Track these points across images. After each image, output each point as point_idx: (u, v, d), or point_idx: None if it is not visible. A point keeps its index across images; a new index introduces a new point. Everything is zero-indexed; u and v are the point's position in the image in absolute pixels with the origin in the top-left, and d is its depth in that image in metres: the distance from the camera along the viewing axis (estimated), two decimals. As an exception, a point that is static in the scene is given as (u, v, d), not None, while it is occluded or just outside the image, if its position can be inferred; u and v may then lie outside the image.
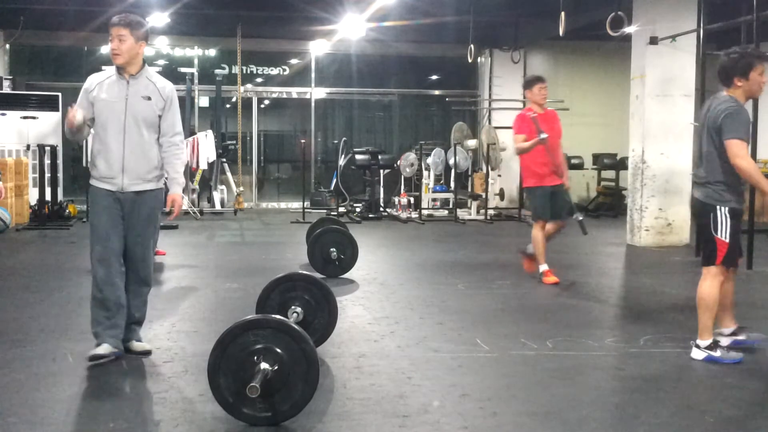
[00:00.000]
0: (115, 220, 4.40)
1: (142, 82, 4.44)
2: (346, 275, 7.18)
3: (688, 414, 3.67)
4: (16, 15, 12.08)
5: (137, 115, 4.38)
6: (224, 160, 13.27)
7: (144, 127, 4.41)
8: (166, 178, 4.59)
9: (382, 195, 13.56)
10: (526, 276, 7.39)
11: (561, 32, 9.57)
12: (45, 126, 12.24)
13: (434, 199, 13.67)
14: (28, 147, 12.01)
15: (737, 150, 4.34)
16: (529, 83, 7.16)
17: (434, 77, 15.98)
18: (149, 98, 4.41)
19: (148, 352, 4.52)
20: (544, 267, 7.05)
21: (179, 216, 12.09)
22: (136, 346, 4.54)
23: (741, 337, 4.74)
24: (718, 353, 4.47)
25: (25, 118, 12.07)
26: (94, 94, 4.40)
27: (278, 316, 3.69)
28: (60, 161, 12.04)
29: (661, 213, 9.66)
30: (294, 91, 15.17)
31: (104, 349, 4.30)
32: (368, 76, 15.07)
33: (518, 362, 4.51)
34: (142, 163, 4.41)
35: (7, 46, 13.59)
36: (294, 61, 15.12)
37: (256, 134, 15.23)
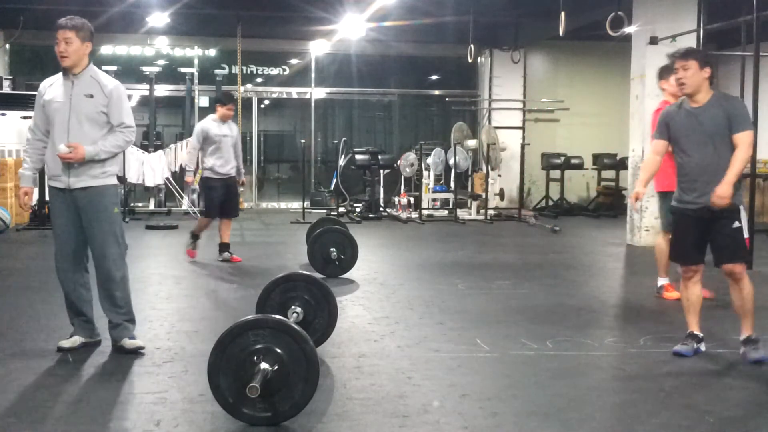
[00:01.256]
0: (69, 220, 4.55)
1: (86, 80, 4.53)
2: (346, 275, 7.18)
3: (688, 414, 3.67)
4: (16, 15, 12.08)
5: (80, 113, 4.48)
6: (224, 160, 13.24)
7: (87, 125, 4.48)
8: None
9: (382, 195, 13.56)
10: (526, 276, 7.40)
11: (561, 32, 9.57)
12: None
13: (434, 199, 13.67)
14: (28, 147, 12.00)
15: None
16: (665, 72, 6.31)
17: (434, 77, 15.97)
18: (92, 96, 4.49)
19: (140, 348, 4.55)
20: (664, 281, 6.39)
21: (179, 216, 11.92)
22: (127, 344, 4.57)
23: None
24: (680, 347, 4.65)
25: (25, 118, 12.04)
26: (44, 97, 4.54)
27: (278, 316, 3.69)
28: (60, 161, 12.03)
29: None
30: (294, 91, 15.16)
31: (71, 342, 4.58)
32: (368, 76, 15.06)
33: (518, 362, 4.51)
34: (90, 162, 4.47)
35: (7, 46, 13.59)
36: (294, 61, 15.11)
37: (256, 134, 15.22)
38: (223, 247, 8.14)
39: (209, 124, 7.95)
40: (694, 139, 4.55)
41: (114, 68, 12.07)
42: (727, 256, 4.51)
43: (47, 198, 4.69)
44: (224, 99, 8.11)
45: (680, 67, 4.53)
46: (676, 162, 4.70)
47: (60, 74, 4.59)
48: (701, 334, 4.69)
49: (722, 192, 4.37)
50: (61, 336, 4.69)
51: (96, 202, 4.52)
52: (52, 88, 4.56)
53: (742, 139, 4.45)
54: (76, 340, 4.60)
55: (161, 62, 14.26)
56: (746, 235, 4.63)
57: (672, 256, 4.80)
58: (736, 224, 4.50)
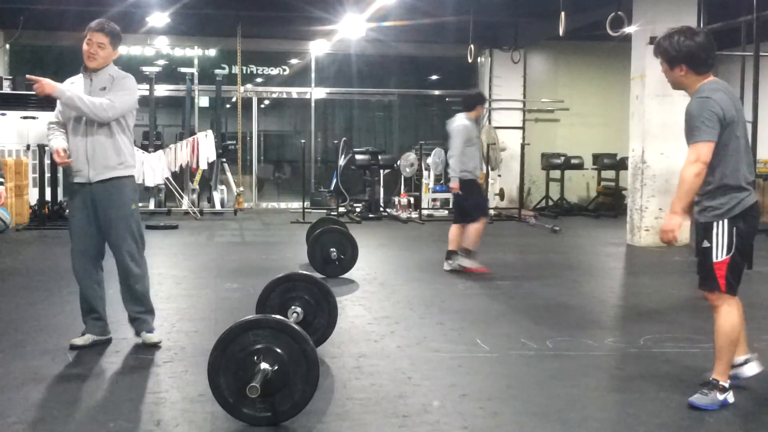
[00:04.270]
0: (87, 217, 4.61)
1: (103, 77, 4.63)
2: (346, 275, 7.18)
3: (688, 414, 3.67)
4: (16, 15, 12.08)
5: None
6: (224, 160, 13.27)
7: None
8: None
9: (382, 195, 13.55)
10: (526, 276, 7.39)
11: (561, 32, 9.57)
12: (45, 126, 12.21)
13: (434, 199, 13.67)
14: (28, 147, 12.00)
15: None
16: None
17: (434, 77, 15.98)
18: (104, 89, 4.59)
19: (156, 344, 4.63)
20: None
21: (179, 216, 11.94)
22: (146, 337, 4.67)
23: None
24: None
25: (25, 118, 12.06)
26: None
27: (278, 316, 3.69)
28: (60, 161, 12.04)
29: (661, 213, 9.65)
30: (294, 91, 15.16)
31: (83, 339, 4.62)
32: (368, 76, 15.06)
33: (518, 362, 4.51)
34: (107, 154, 4.57)
35: (7, 46, 13.59)
36: (294, 61, 15.12)
37: (256, 134, 15.22)
38: (452, 253, 7.65)
39: (469, 125, 7.60)
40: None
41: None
42: (698, 280, 3.84)
43: (62, 197, 4.70)
44: (484, 99, 7.72)
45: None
46: None
47: (80, 74, 4.69)
48: (740, 360, 3.96)
49: (666, 224, 3.65)
50: (61, 336, 4.70)
51: (115, 197, 4.58)
52: (73, 86, 4.63)
53: (687, 155, 3.58)
54: (89, 338, 4.64)
55: (161, 62, 14.25)
56: (720, 257, 3.66)
57: None
58: (705, 244, 3.72)
